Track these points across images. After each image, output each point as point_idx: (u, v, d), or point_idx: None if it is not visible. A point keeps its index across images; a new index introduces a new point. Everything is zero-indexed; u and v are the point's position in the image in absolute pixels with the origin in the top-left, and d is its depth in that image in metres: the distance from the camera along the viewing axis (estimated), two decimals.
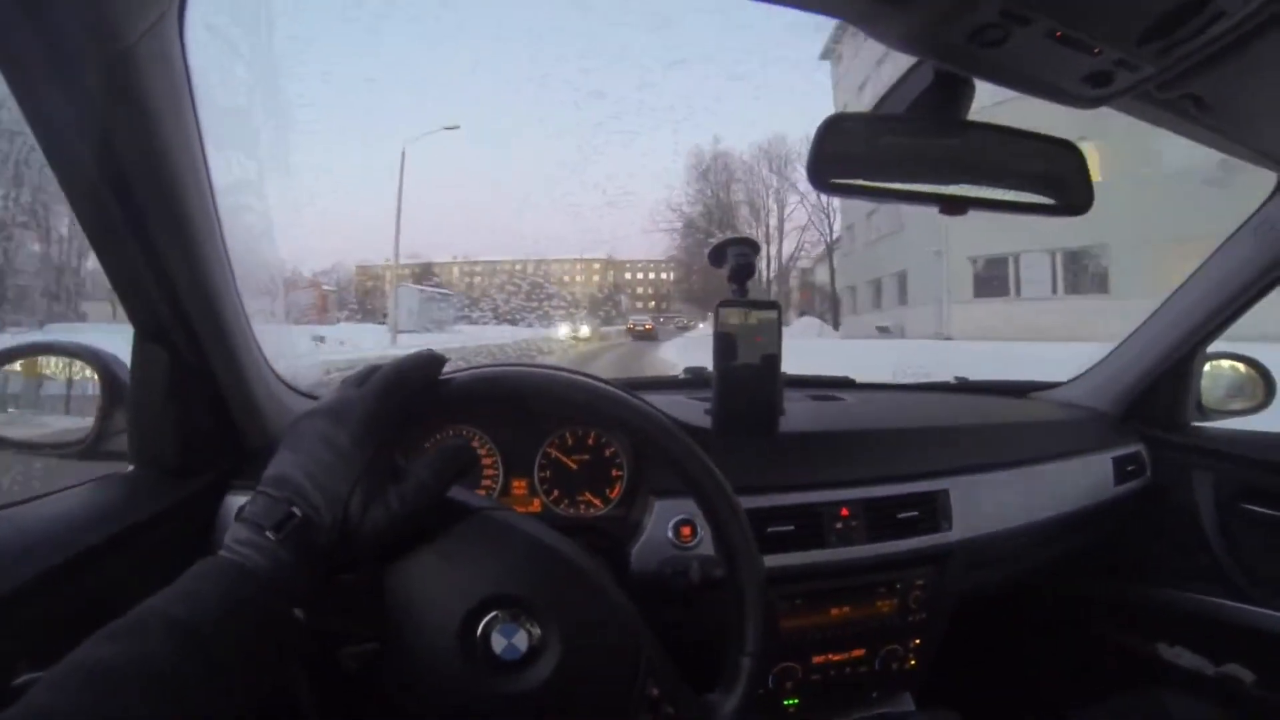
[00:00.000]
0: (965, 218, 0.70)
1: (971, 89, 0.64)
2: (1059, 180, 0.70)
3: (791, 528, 0.91)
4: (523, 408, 0.95)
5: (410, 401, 0.56)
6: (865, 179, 0.66)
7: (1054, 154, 0.70)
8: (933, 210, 0.68)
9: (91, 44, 0.52)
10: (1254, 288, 1.12)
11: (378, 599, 0.53)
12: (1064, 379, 1.46)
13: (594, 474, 0.97)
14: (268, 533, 0.47)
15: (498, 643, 0.52)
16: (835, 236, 23.22)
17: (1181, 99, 0.69)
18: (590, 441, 0.97)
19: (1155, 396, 1.30)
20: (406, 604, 0.53)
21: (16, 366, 0.81)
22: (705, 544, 0.86)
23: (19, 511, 0.66)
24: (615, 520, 0.94)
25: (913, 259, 16.43)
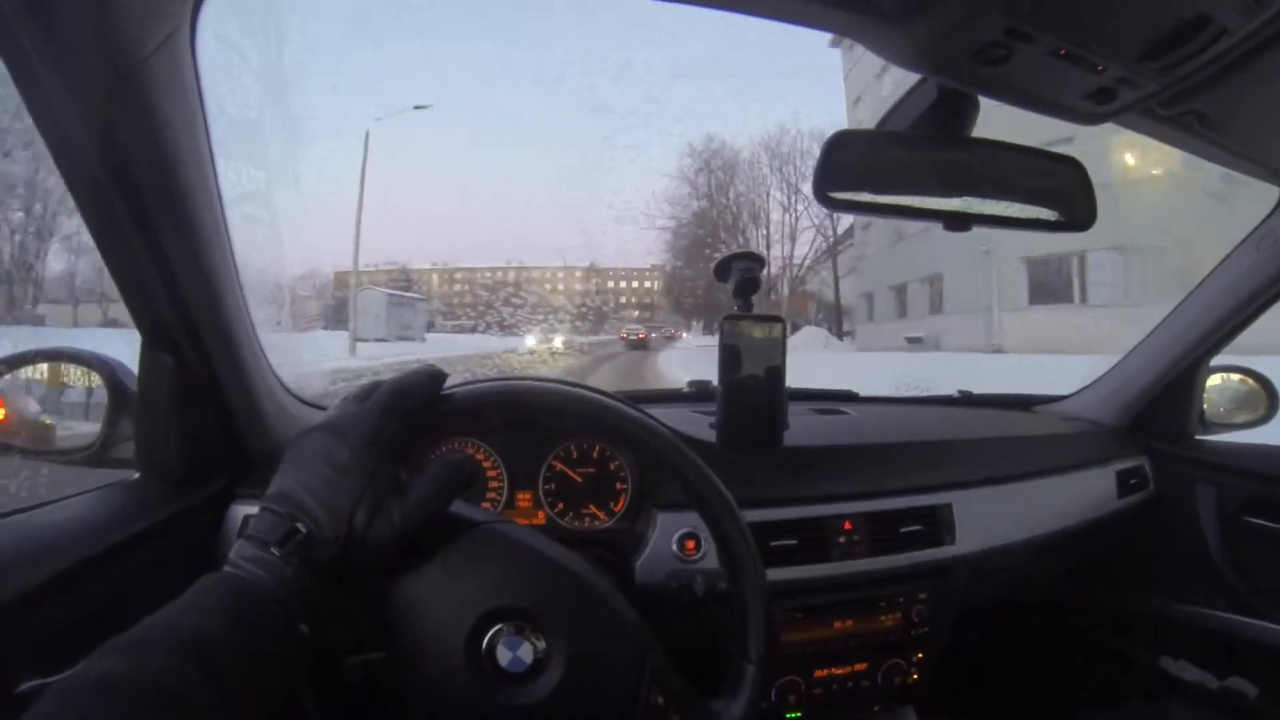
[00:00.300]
0: None
1: (975, 105, 0.65)
2: (1062, 195, 0.71)
3: (795, 541, 0.91)
4: (526, 421, 0.96)
5: (412, 416, 0.57)
6: (870, 194, 0.66)
7: (1058, 170, 0.70)
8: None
9: (105, 57, 0.53)
10: (1257, 301, 1.12)
11: (382, 611, 0.54)
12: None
13: (598, 487, 0.97)
14: (272, 548, 0.48)
15: (503, 655, 0.53)
16: (839, 235, 21.13)
17: (1184, 115, 0.69)
18: (595, 455, 0.97)
19: (1159, 410, 1.30)
20: (411, 617, 0.53)
21: (24, 373, 0.82)
22: (710, 557, 0.86)
23: (26, 518, 0.67)
24: (620, 533, 0.94)
25: (951, 260, 14.64)
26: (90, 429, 0.79)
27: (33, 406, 0.81)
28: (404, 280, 26.96)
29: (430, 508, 0.54)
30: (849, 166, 0.66)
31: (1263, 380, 1.30)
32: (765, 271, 0.90)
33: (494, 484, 0.95)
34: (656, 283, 29.69)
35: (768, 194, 21.66)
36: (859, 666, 0.99)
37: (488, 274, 30.26)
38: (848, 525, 0.95)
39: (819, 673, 0.98)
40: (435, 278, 30.95)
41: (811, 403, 1.29)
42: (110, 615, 0.64)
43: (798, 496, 0.95)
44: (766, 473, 0.95)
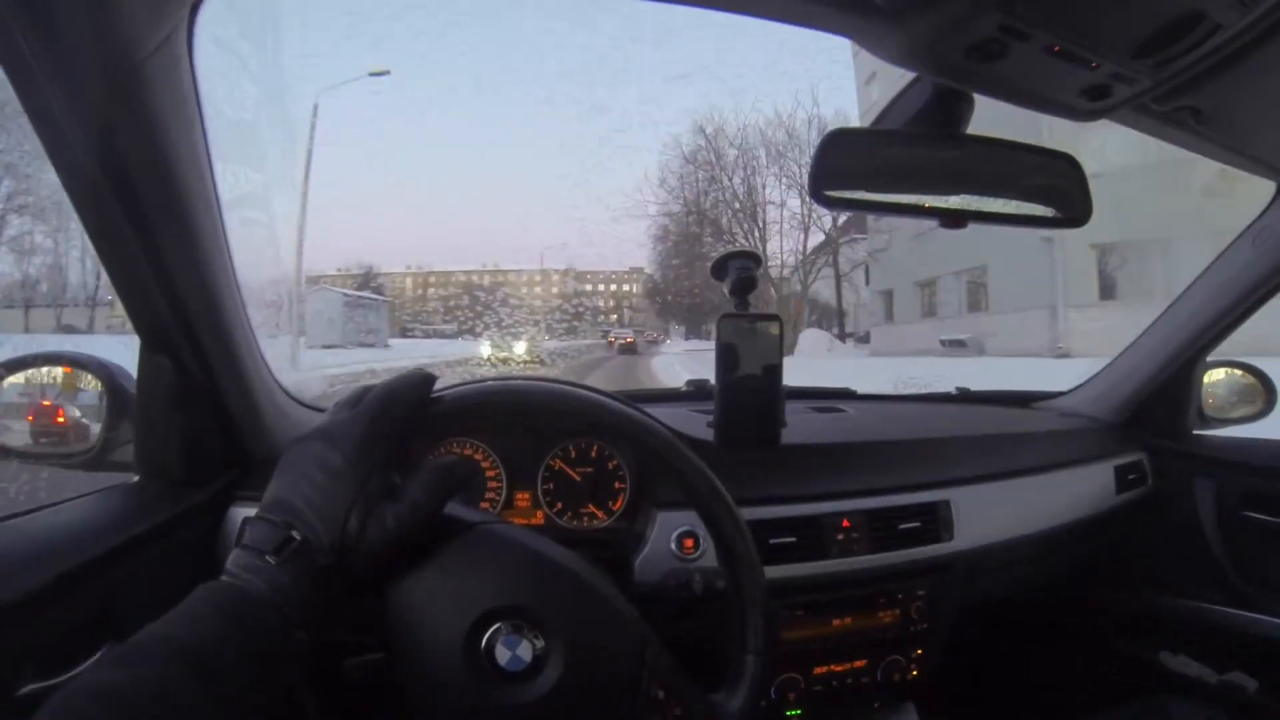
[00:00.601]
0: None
1: (971, 103, 0.65)
2: (1058, 192, 0.71)
3: (793, 539, 0.92)
4: (524, 421, 0.96)
5: (402, 421, 0.58)
6: (866, 193, 0.66)
7: (1053, 166, 0.70)
8: None
9: (102, 59, 0.53)
10: (1254, 295, 1.13)
11: (381, 614, 0.54)
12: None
13: (597, 486, 0.97)
14: (268, 556, 0.48)
15: (502, 654, 0.53)
16: (839, 228, 18.67)
17: (1179, 110, 0.69)
18: (594, 454, 0.98)
19: (1156, 405, 1.30)
20: (410, 619, 0.54)
21: (23, 377, 0.82)
22: (708, 556, 0.86)
23: (26, 521, 0.67)
24: (618, 532, 0.94)
25: (998, 251, 12.36)
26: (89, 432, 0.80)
27: (75, 411, 0.82)
28: (369, 281, 25.86)
29: (423, 511, 0.54)
30: (845, 165, 0.66)
31: (1260, 375, 1.31)
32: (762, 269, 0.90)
33: (493, 484, 0.96)
34: (636, 285, 28.86)
35: (763, 185, 19.69)
36: (858, 663, 1.00)
37: (462, 277, 29.73)
38: (846, 523, 0.95)
39: (818, 670, 0.98)
40: (409, 281, 30.39)
41: (809, 401, 1.30)
42: (111, 617, 0.64)
43: (796, 494, 0.95)
44: (765, 471, 0.95)
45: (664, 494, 0.91)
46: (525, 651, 0.53)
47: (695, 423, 0.97)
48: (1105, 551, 1.28)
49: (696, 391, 1.27)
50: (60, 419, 0.80)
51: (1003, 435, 1.21)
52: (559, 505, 0.96)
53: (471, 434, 0.96)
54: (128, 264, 0.66)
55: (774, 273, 18.78)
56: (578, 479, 0.97)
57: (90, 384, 0.80)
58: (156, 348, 0.73)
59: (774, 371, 0.87)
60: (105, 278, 0.67)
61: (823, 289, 20.22)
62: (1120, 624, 1.34)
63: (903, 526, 0.98)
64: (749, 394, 0.87)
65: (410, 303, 29.03)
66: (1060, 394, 1.46)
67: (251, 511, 0.75)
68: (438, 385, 0.62)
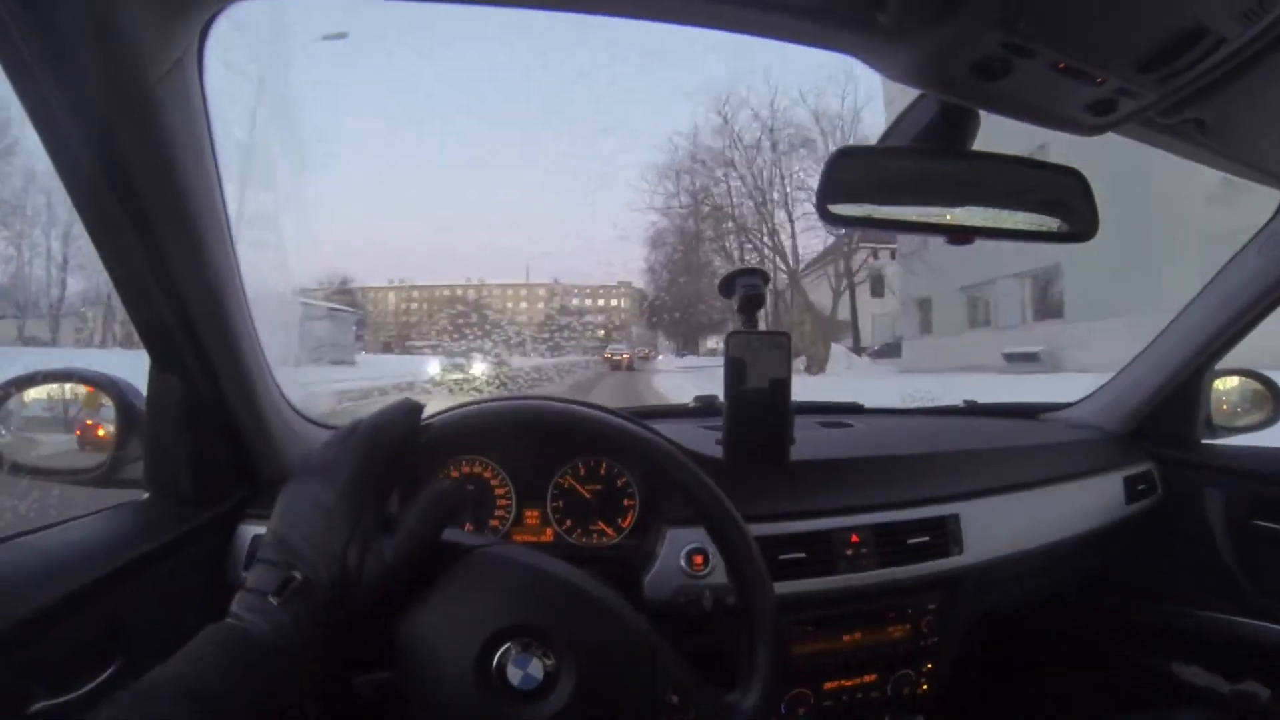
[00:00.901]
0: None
1: (976, 119, 0.65)
2: (1065, 207, 0.71)
3: (803, 555, 0.91)
4: (532, 440, 0.96)
5: (393, 452, 0.58)
6: (873, 208, 0.67)
7: (1059, 181, 0.71)
8: None
9: (113, 82, 0.53)
10: (1260, 304, 1.13)
11: (389, 643, 0.54)
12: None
13: (606, 503, 0.97)
14: (270, 598, 0.49)
15: (513, 674, 0.53)
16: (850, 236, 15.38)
17: (1184, 123, 0.69)
18: (603, 471, 0.97)
19: (1164, 415, 1.30)
20: (419, 647, 0.54)
21: (35, 393, 0.82)
22: (718, 572, 0.86)
23: (37, 538, 0.67)
24: (628, 549, 0.94)
25: (1075, 246, 6.22)
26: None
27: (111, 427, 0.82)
28: (341, 293, 24.07)
29: (420, 540, 0.55)
30: (852, 182, 0.67)
31: (1268, 383, 1.30)
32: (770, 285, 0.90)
33: (502, 502, 0.96)
34: (624, 300, 27.65)
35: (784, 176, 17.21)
36: (868, 678, 0.99)
37: (445, 291, 29.07)
38: (855, 538, 0.94)
39: (828, 685, 0.97)
40: (391, 296, 29.26)
41: (817, 416, 1.30)
42: (121, 635, 0.65)
43: (805, 510, 0.95)
44: (773, 488, 0.95)
45: (673, 510, 0.91)
46: (536, 670, 0.53)
47: (704, 439, 0.97)
48: (1115, 562, 1.27)
49: (704, 408, 1.27)
50: (101, 432, 0.81)
51: (1011, 448, 1.20)
52: (568, 522, 0.96)
53: (480, 452, 0.96)
54: (137, 281, 0.66)
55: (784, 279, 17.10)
56: (587, 496, 0.97)
57: (107, 401, 0.81)
58: (167, 366, 0.74)
59: (783, 388, 0.87)
60: (72, 289, 0.68)
61: (825, 300, 18.00)
62: (1131, 634, 1.33)
63: (912, 541, 0.97)
64: (758, 410, 0.87)
65: (391, 316, 28.32)
66: (1067, 405, 1.45)
67: (261, 529, 0.75)
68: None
